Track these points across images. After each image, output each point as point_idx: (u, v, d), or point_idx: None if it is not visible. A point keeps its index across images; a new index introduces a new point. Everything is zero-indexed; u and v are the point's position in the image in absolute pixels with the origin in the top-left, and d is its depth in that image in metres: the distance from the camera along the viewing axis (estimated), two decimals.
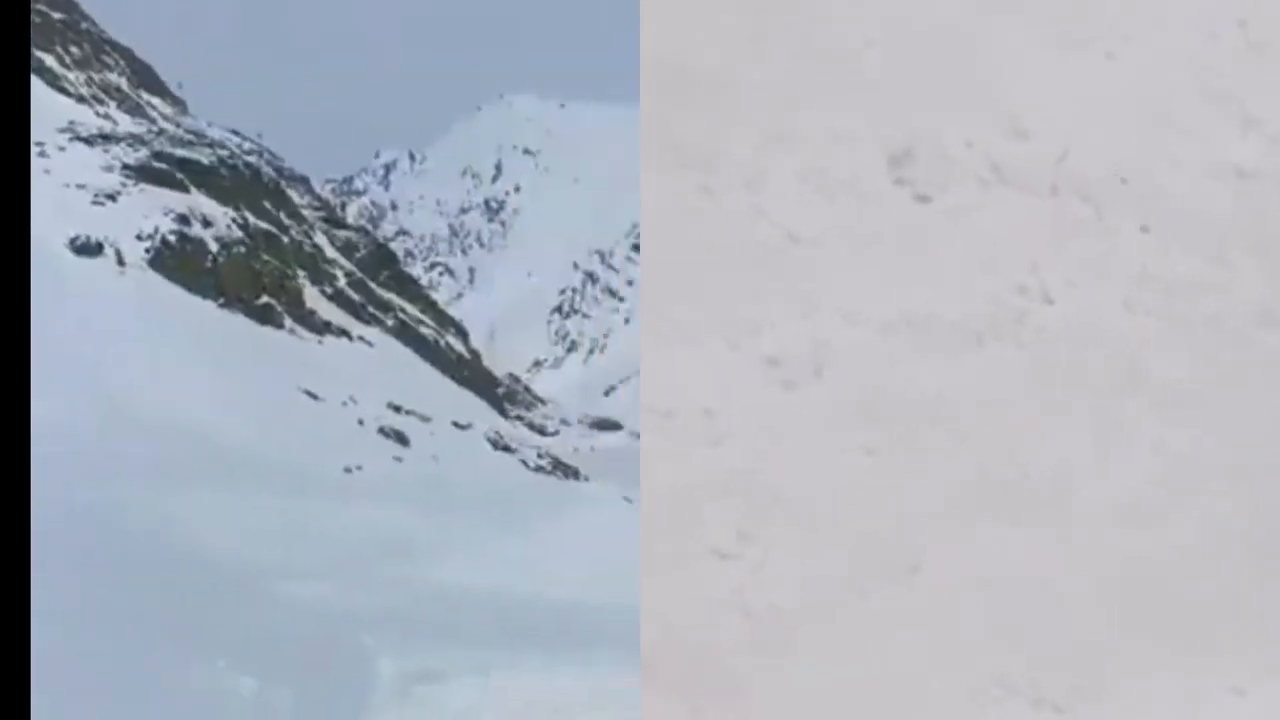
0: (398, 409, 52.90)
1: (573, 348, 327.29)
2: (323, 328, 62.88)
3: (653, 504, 7.26)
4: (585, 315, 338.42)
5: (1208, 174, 7.71)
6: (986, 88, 7.69)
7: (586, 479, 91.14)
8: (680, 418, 7.34)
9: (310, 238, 75.22)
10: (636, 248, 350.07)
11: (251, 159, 71.22)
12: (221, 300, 50.22)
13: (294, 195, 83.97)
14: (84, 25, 76.75)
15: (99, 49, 76.85)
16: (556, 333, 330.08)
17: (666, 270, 7.40)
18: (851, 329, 7.46)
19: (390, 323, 76.54)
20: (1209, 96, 7.75)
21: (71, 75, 69.44)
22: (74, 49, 72.35)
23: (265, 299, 55.38)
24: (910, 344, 7.47)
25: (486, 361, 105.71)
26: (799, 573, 7.23)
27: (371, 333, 70.32)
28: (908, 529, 7.30)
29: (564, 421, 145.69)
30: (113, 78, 76.20)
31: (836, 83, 7.62)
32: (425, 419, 55.21)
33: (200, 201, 55.06)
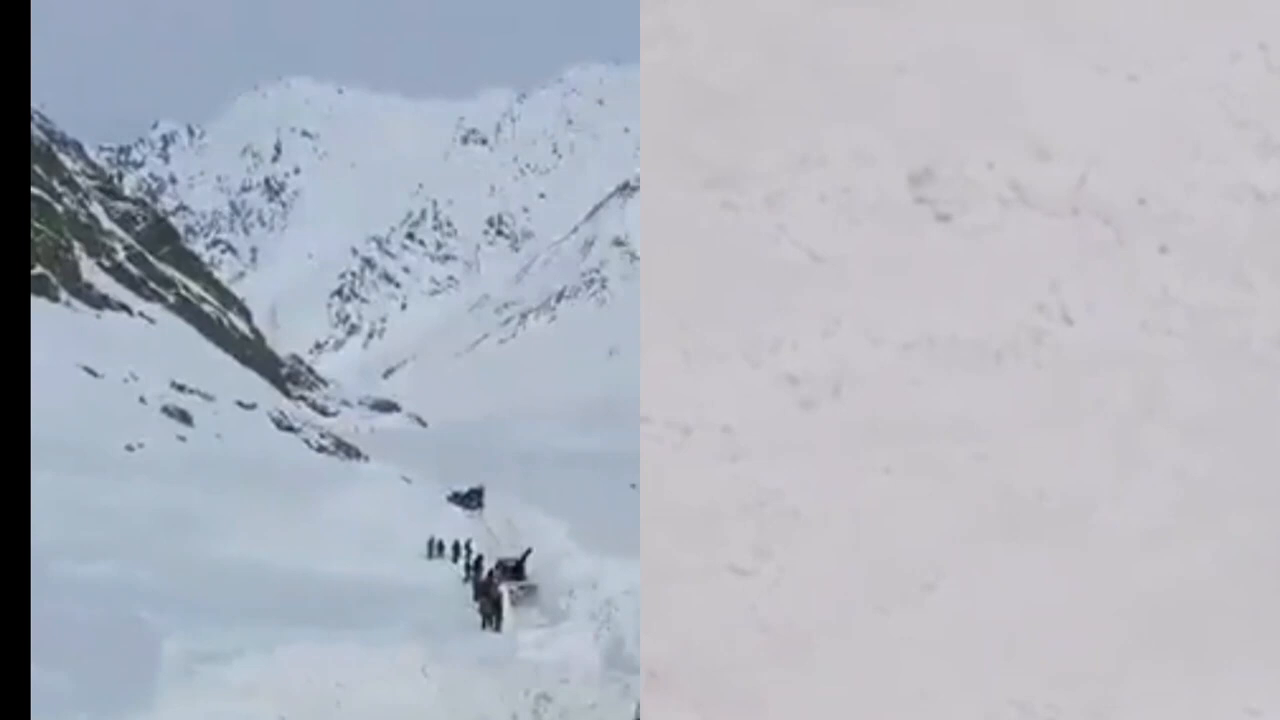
0: (181, 387, 52.48)
1: (353, 331, 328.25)
2: (100, 301, 61.75)
3: (669, 518, 7.34)
4: (364, 300, 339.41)
5: (1228, 196, 7.71)
6: (1008, 109, 7.74)
7: (367, 458, 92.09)
8: (699, 434, 7.40)
9: (85, 207, 73.96)
10: (411, 235, 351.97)
11: None
12: None
13: (67, 161, 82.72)
14: None
15: None
16: (337, 315, 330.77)
17: (689, 287, 7.45)
18: (871, 348, 7.50)
19: (172, 299, 75.51)
20: (1229, 119, 7.75)
21: None
22: None
23: (39, 269, 54.07)
24: (930, 363, 7.50)
25: (270, 342, 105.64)
26: (815, 590, 7.27)
27: (153, 309, 69.43)
28: (925, 548, 7.32)
29: (345, 402, 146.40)
30: None
31: (859, 103, 7.68)
32: (209, 397, 55.01)
33: None
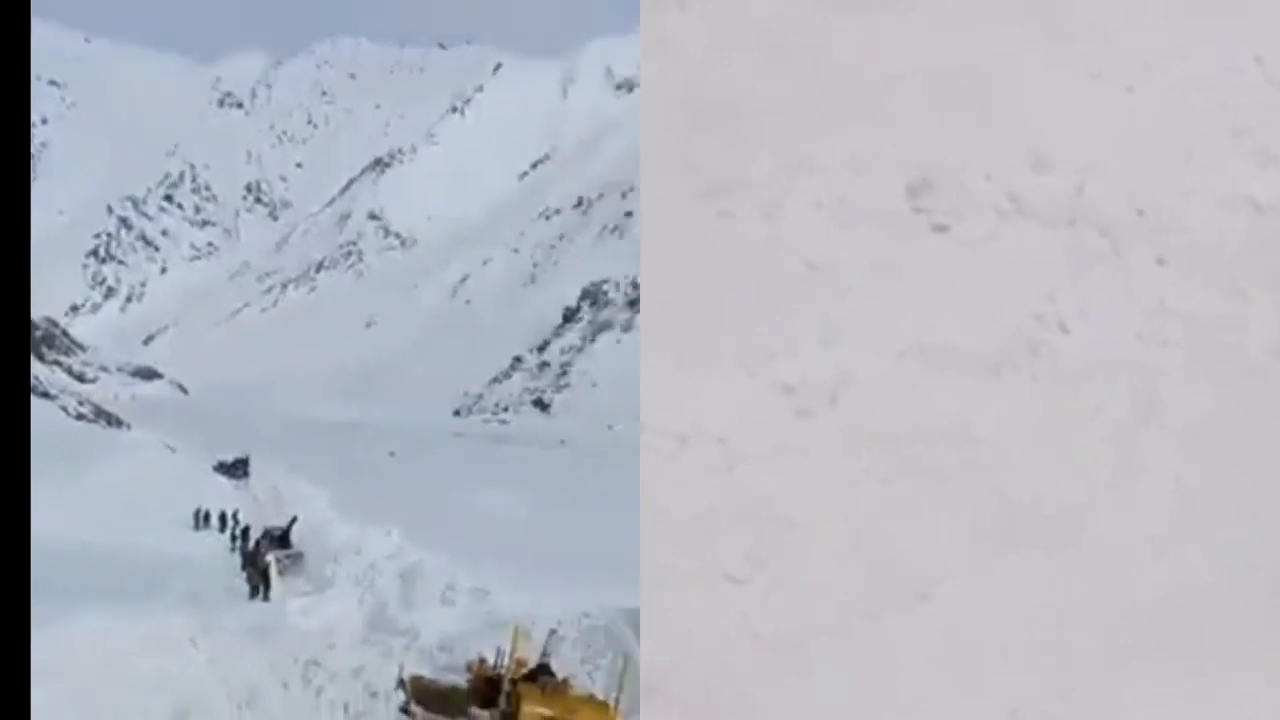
0: None
1: (110, 294, 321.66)
2: None
3: (663, 527, 7.27)
4: (122, 262, 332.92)
5: (1224, 206, 7.81)
6: (1006, 119, 7.81)
7: (129, 427, 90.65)
8: (695, 443, 7.37)
9: None
10: (169, 198, 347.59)
11: None
12: None
13: None
14: None
15: None
16: (94, 277, 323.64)
17: (684, 296, 7.45)
18: (868, 357, 7.53)
19: None
20: (1226, 130, 7.86)
21: None
22: None
23: None
24: (926, 372, 7.53)
25: None
26: (809, 598, 7.23)
27: None
28: (920, 556, 7.30)
29: (104, 368, 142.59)
30: None
31: (856, 112, 7.71)
32: None
33: None
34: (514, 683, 14.64)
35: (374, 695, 16.79)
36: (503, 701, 14.50)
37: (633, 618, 20.13)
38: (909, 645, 7.17)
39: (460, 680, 16.16)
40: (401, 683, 15.98)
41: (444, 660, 19.09)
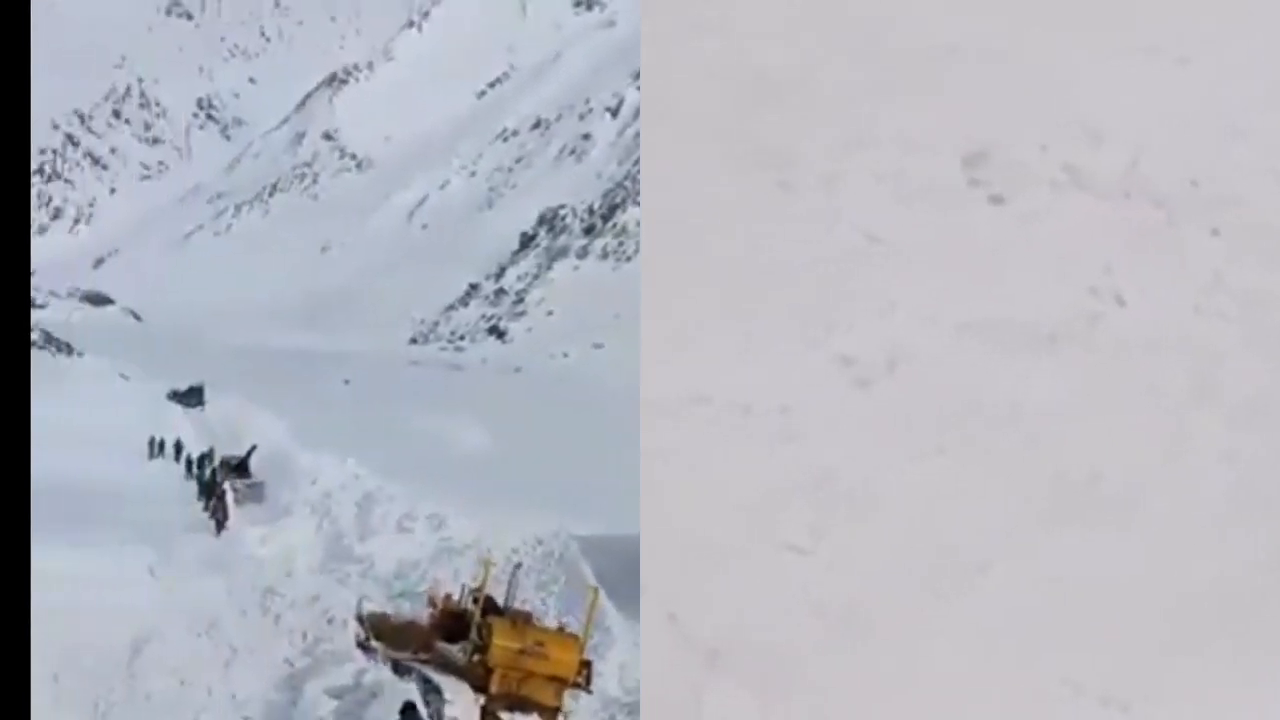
0: None
1: (58, 215, 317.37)
2: None
3: (727, 497, 7.27)
4: (69, 181, 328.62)
5: (1278, 178, 7.80)
6: (1061, 93, 7.84)
7: (81, 354, 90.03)
8: (757, 414, 7.36)
9: None
10: (117, 113, 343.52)
11: None
12: None
13: None
14: None
15: None
16: (40, 197, 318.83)
17: (746, 269, 7.47)
18: (926, 330, 7.55)
19: None
20: None
21: None
22: None
23: None
24: (983, 346, 7.54)
25: None
26: (869, 570, 7.23)
27: None
28: (978, 529, 7.31)
29: (53, 293, 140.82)
30: None
31: (913, 86, 7.75)
32: None
33: None
34: (484, 614, 14.54)
35: (331, 622, 16.76)
36: (474, 634, 14.42)
37: (587, 545, 20.34)
38: (967, 618, 7.18)
39: (420, 614, 16.10)
40: (360, 619, 15.93)
41: (400, 587, 19.26)
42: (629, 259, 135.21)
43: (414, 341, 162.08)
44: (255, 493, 30.81)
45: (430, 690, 14.06)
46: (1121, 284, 7.61)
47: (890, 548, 7.24)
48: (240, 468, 32.75)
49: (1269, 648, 7.13)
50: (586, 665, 14.69)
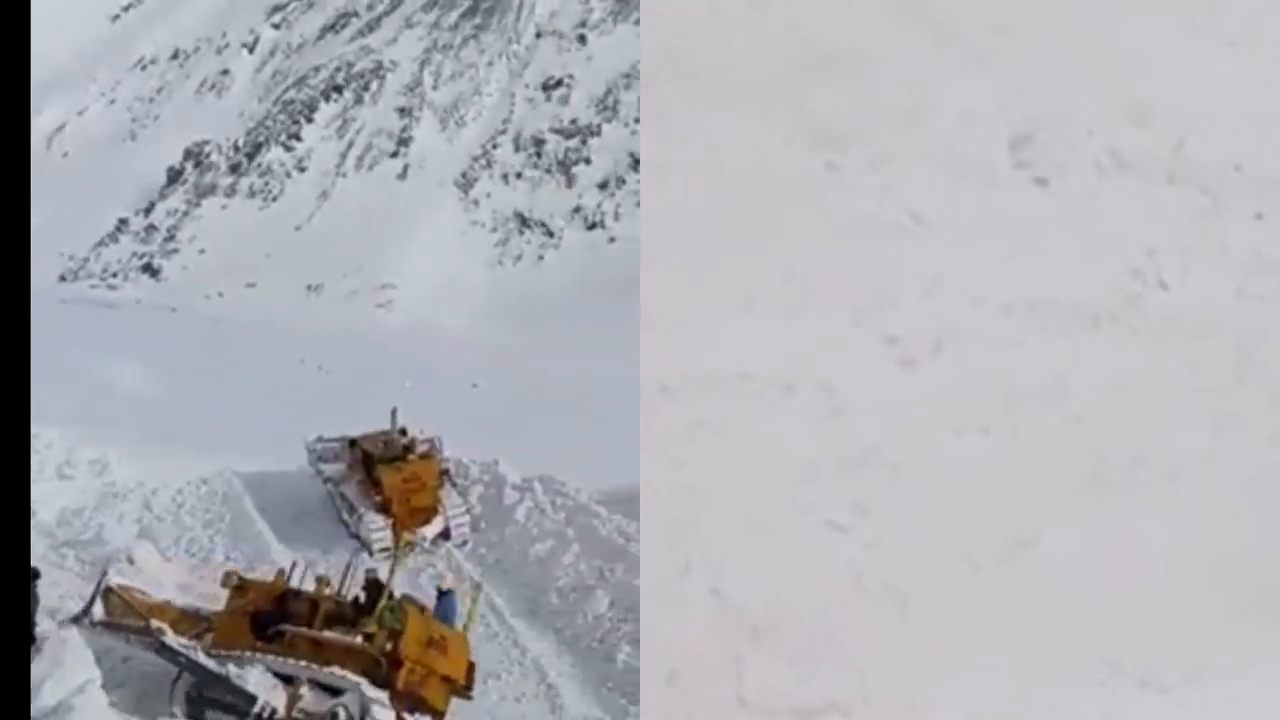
0: None
1: None
2: None
3: (770, 473, 7.33)
4: None
5: None
6: (1108, 74, 7.91)
7: None
8: (801, 391, 7.41)
9: None
10: None
11: None
12: None
13: None
14: None
15: None
16: None
17: (792, 246, 7.54)
18: (971, 309, 7.61)
19: None
20: None
21: None
22: None
23: None
24: (1028, 325, 7.60)
25: None
26: (910, 547, 7.30)
27: None
28: (1021, 508, 7.36)
29: None
30: None
31: (963, 65, 7.84)
32: None
33: None
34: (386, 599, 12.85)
35: None
36: (387, 618, 12.66)
37: (250, 482, 19.48)
38: (1009, 594, 7.26)
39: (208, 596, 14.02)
40: (104, 592, 13.41)
41: (64, 536, 17.84)
42: (275, 199, 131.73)
43: (64, 279, 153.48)
44: None
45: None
46: (1164, 266, 7.69)
47: (931, 526, 7.29)
48: None
49: None
50: (473, 667, 13.50)
